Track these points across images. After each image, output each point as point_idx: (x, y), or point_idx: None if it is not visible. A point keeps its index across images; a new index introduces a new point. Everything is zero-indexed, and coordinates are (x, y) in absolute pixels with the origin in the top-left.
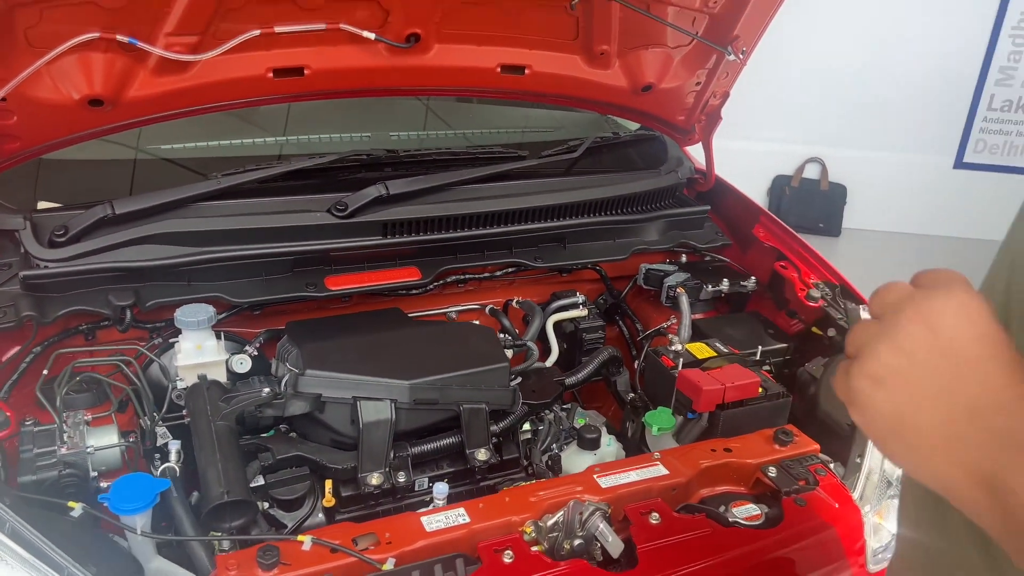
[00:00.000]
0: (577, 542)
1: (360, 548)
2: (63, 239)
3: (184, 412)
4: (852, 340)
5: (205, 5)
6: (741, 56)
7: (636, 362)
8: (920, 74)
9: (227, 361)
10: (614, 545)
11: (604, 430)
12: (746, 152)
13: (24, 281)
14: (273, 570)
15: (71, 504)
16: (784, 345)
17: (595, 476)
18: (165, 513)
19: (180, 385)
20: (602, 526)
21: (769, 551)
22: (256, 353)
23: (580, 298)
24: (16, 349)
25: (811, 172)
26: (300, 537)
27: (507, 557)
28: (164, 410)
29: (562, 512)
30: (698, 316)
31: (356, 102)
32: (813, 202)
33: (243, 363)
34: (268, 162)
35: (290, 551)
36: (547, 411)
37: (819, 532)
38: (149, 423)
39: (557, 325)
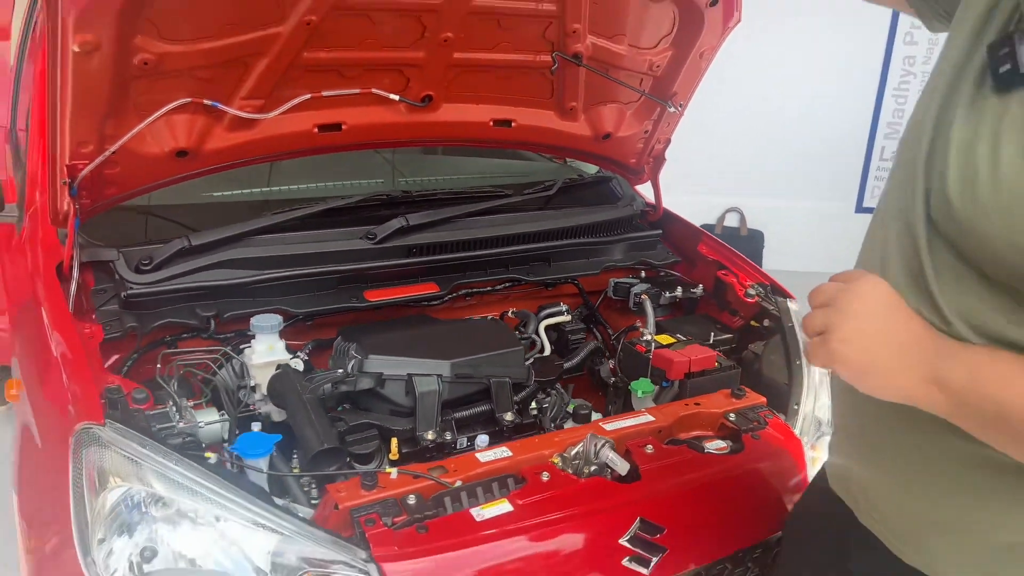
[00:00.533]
0: (593, 468)
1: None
2: (149, 267)
3: (251, 406)
4: (810, 326)
5: (272, 75)
6: (680, 108)
7: (611, 361)
8: (822, 131)
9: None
10: (622, 466)
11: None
12: (674, 204)
13: (125, 299)
14: (374, 490)
15: (208, 454)
16: (730, 335)
17: (600, 424)
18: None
19: (250, 383)
20: (611, 454)
21: (737, 469)
22: (307, 358)
23: (564, 307)
24: (116, 357)
25: (731, 220)
26: (388, 469)
27: (544, 476)
28: (243, 403)
29: (582, 444)
30: (659, 319)
31: (331, 159)
32: (734, 247)
33: (298, 365)
34: (305, 203)
35: (382, 480)
36: (552, 388)
37: (772, 457)
38: (233, 410)
39: (547, 329)
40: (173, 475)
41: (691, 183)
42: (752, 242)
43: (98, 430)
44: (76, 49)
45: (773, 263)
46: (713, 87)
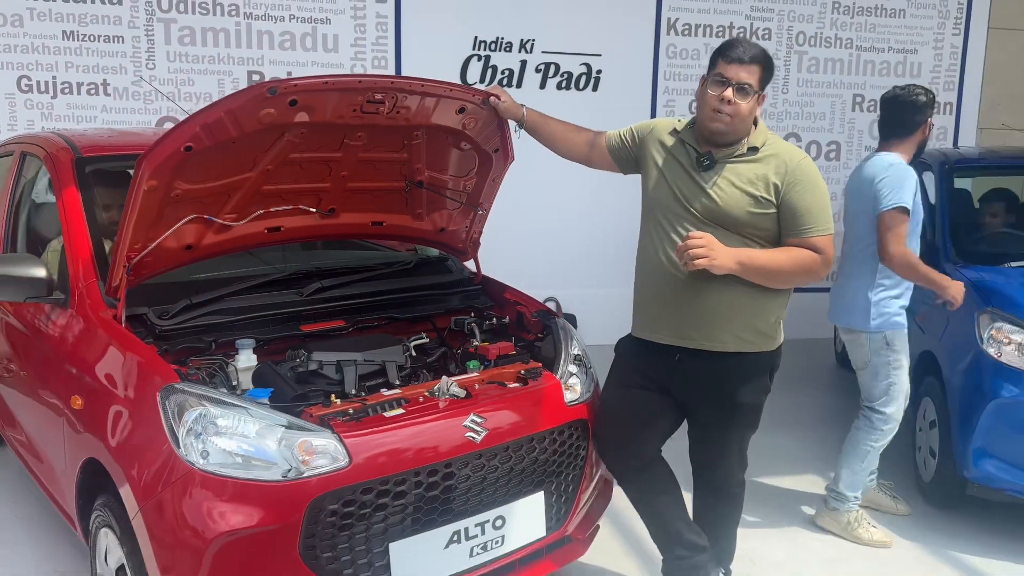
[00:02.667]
0: (446, 395)
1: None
2: (167, 316)
3: (237, 388)
4: (696, 255)
5: (244, 200)
6: (485, 211)
7: (454, 366)
8: (618, 232)
9: None
10: (461, 393)
11: None
12: None
13: (159, 334)
14: (330, 407)
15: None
16: (525, 342)
17: (451, 379)
18: None
19: (235, 382)
20: (456, 388)
21: (524, 393)
22: None
23: (424, 335)
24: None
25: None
26: (333, 398)
27: (421, 399)
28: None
29: (439, 384)
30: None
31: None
32: None
33: None
34: (258, 277)
35: (333, 405)
36: (420, 372)
37: (543, 389)
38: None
39: (414, 347)
40: (223, 398)
41: (519, 279)
42: None
43: (176, 385)
44: (146, 188)
45: (586, 341)
46: (534, 206)
